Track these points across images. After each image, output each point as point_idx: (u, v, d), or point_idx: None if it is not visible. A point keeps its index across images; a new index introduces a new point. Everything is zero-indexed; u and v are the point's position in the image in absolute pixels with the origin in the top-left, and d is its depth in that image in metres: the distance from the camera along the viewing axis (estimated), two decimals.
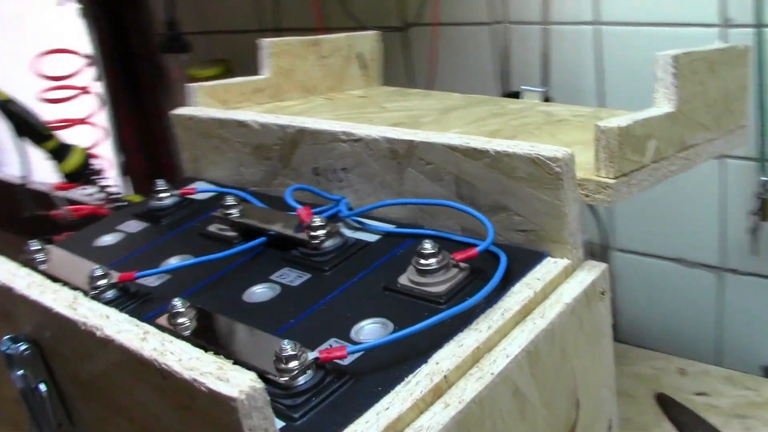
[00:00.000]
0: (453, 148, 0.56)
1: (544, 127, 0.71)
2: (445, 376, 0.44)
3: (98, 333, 0.41)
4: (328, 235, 0.59)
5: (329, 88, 0.92)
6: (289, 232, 0.61)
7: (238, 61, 1.31)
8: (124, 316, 0.42)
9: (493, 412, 0.46)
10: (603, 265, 0.55)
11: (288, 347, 0.44)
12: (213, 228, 0.66)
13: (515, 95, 0.97)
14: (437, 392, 0.44)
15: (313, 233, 0.59)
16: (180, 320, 0.51)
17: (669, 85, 0.59)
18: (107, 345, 0.40)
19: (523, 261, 0.54)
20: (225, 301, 0.56)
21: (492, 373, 0.45)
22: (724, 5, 0.84)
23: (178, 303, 0.51)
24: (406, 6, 1.13)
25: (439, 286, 0.52)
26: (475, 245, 0.54)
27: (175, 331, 0.50)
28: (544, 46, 0.95)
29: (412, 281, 0.53)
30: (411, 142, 0.59)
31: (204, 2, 1.35)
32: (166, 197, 0.72)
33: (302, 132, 0.66)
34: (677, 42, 0.88)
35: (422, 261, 0.53)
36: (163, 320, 0.51)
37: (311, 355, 0.45)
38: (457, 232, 0.59)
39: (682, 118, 0.60)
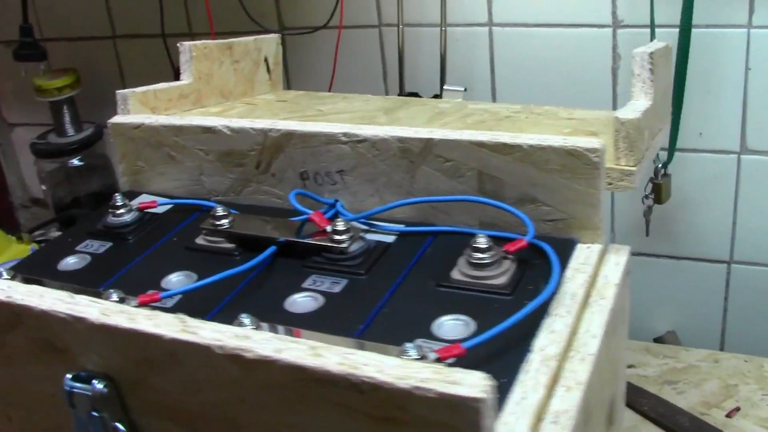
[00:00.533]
0: (480, 144, 0.57)
1: (502, 124, 0.74)
2: (557, 361, 0.46)
3: (248, 355, 0.37)
4: (352, 239, 0.58)
5: (242, 93, 0.88)
6: (306, 238, 0.58)
7: (87, 70, 1.20)
8: (268, 333, 0.39)
9: (593, 391, 0.48)
10: (627, 248, 0.59)
11: (413, 351, 0.43)
12: (202, 240, 0.62)
13: (412, 96, 0.99)
14: (554, 377, 0.45)
15: (337, 237, 0.57)
16: None
17: (646, 79, 0.64)
18: (263, 367, 0.37)
19: (559, 249, 0.56)
20: (269, 314, 0.52)
21: (591, 354, 0.47)
22: (615, 7, 0.93)
23: (246, 319, 0.48)
24: (282, 10, 1.11)
25: (498, 278, 0.53)
26: (510, 238, 0.56)
27: None
28: (442, 48, 0.98)
29: (467, 275, 0.53)
30: (429, 140, 0.59)
31: (48, 8, 1.23)
32: (124, 213, 0.66)
33: (290, 135, 0.64)
34: (568, 41, 0.96)
35: (477, 255, 0.53)
36: None
37: (432, 356, 0.44)
38: (475, 226, 0.60)
39: (653, 110, 0.66)
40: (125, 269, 0.60)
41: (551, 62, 0.97)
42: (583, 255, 0.56)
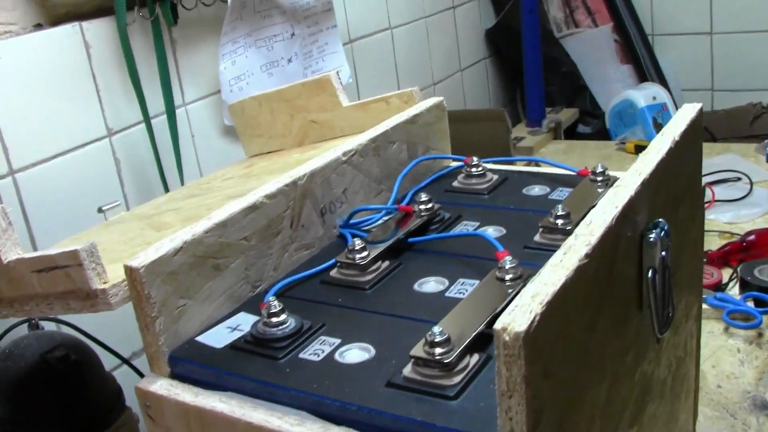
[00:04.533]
0: (406, 122, 0.78)
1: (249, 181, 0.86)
2: None
3: None
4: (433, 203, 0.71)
5: None
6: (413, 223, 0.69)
7: None
8: None
9: None
10: None
11: None
12: (364, 276, 0.62)
13: None
14: None
15: (429, 206, 0.70)
16: None
17: None
18: None
19: None
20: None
21: None
22: (105, 119, 1.03)
23: None
24: None
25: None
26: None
27: None
28: None
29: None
30: (386, 131, 0.76)
31: None
32: (281, 320, 0.56)
33: (313, 175, 0.67)
34: (81, 163, 1.00)
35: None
36: None
37: None
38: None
39: None
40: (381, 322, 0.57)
41: (78, 187, 0.99)
42: None
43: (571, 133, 1.92)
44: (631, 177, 0.56)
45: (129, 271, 0.54)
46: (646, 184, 0.56)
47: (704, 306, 1.08)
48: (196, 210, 0.77)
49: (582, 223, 0.50)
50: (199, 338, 0.58)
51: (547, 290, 0.42)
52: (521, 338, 0.39)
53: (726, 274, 1.16)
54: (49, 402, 0.81)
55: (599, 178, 0.72)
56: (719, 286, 1.12)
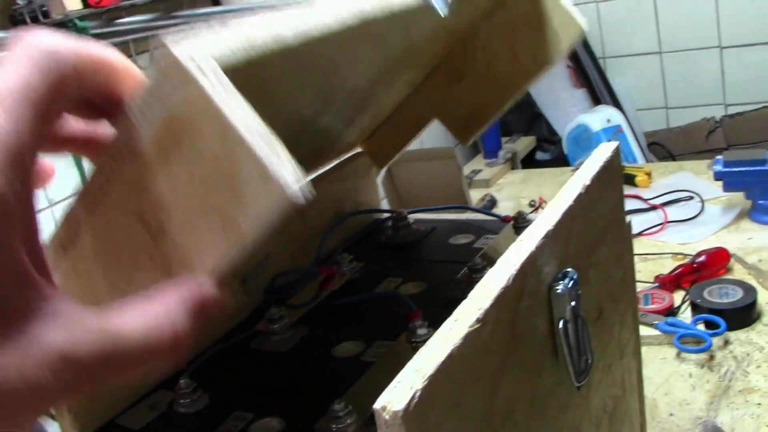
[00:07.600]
0: (333, 179, 0.79)
1: None
2: None
3: None
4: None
5: None
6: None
7: None
8: None
9: None
10: None
11: None
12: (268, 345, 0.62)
13: None
14: None
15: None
16: None
17: None
18: None
19: None
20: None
21: None
22: None
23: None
24: None
25: None
26: None
27: None
28: None
29: None
30: None
31: None
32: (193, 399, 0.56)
33: None
34: None
35: None
36: None
37: None
38: None
39: None
40: None
41: None
42: None
43: (531, 161, 1.93)
44: (534, 230, 0.56)
45: None
46: (550, 236, 0.56)
47: (656, 332, 1.08)
48: None
49: (478, 284, 0.50)
50: (119, 420, 0.57)
51: (431, 363, 0.42)
52: (400, 416, 0.39)
53: (678, 297, 1.16)
54: None
55: (522, 225, 0.72)
56: (671, 311, 1.13)
